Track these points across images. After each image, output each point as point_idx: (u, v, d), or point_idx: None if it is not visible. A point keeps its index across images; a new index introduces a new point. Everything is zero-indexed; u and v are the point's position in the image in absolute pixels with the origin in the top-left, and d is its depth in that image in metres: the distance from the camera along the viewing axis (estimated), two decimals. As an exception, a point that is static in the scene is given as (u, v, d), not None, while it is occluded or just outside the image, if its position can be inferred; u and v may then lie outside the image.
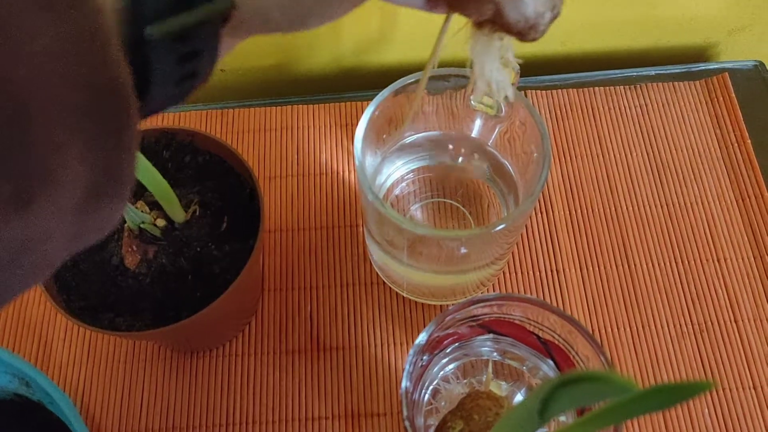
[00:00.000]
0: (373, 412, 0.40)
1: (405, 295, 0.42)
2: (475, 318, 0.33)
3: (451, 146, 0.41)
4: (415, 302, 0.43)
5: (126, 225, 0.35)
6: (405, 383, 0.30)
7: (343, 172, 0.47)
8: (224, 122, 0.49)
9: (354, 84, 0.55)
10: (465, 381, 0.37)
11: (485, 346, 0.37)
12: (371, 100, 0.49)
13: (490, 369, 0.37)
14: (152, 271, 0.34)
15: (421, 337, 0.31)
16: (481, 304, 0.32)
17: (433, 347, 0.33)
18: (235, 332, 0.42)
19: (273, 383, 0.40)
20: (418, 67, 0.38)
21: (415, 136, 0.40)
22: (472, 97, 0.38)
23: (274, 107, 0.50)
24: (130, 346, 0.41)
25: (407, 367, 0.30)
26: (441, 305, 0.43)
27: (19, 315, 0.42)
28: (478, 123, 0.40)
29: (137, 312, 0.34)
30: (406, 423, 0.29)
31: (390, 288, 0.43)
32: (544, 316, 0.32)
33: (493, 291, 0.43)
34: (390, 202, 0.42)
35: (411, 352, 0.31)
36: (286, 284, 0.43)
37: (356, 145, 0.34)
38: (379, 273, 0.43)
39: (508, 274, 0.43)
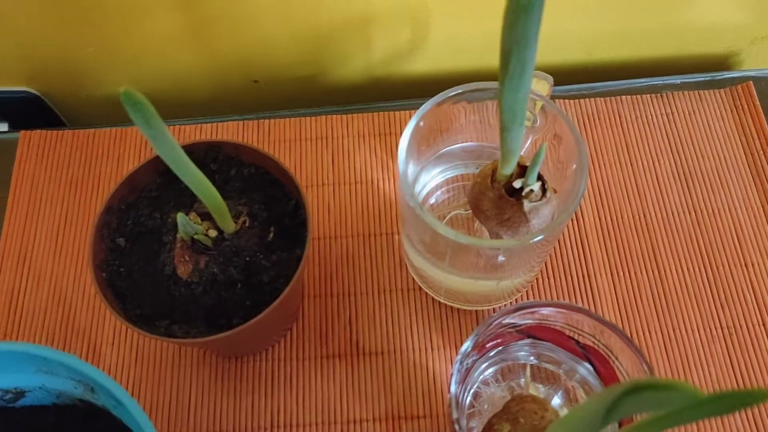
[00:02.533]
0: (413, 415, 0.41)
1: (442, 301, 0.44)
2: (516, 324, 0.34)
3: (487, 156, 0.43)
4: (452, 308, 0.44)
5: (178, 236, 0.37)
6: (453, 387, 0.31)
7: (377, 180, 0.48)
8: (260, 133, 0.50)
9: (384, 94, 0.56)
10: (504, 384, 0.38)
11: (523, 351, 0.38)
12: (404, 110, 0.51)
13: (528, 373, 0.38)
14: (204, 280, 0.36)
15: (468, 343, 0.32)
16: (524, 311, 0.33)
17: (476, 353, 0.35)
18: (277, 338, 0.43)
19: (315, 387, 0.42)
20: (448, 77, 0.39)
21: (451, 147, 0.42)
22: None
23: (309, 117, 0.51)
24: (176, 352, 0.43)
25: (455, 371, 0.32)
26: (477, 311, 0.44)
27: (68, 322, 0.44)
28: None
29: (191, 320, 0.35)
30: (456, 426, 0.30)
31: (427, 294, 0.44)
32: (584, 322, 0.34)
33: (527, 296, 0.44)
34: (426, 211, 0.44)
35: (458, 356, 0.32)
36: (326, 291, 0.45)
37: (400, 156, 0.36)
38: (416, 279, 0.44)
39: (541, 280, 0.44)
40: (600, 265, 0.45)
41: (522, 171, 0.35)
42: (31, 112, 0.56)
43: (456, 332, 0.43)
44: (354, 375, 0.42)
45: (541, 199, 0.35)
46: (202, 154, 0.39)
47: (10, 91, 0.54)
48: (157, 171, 0.39)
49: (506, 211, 0.35)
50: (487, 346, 0.35)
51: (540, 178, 0.35)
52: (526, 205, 0.34)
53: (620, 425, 0.33)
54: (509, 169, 0.34)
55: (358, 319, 0.44)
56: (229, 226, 0.36)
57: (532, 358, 0.39)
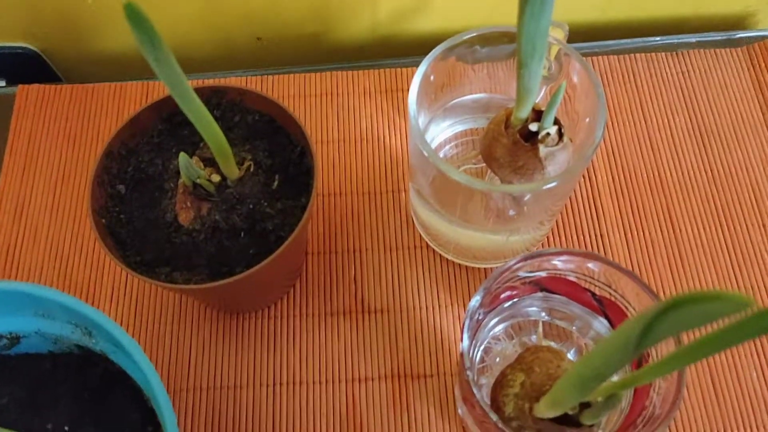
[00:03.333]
0: (420, 374, 0.40)
1: (450, 258, 0.42)
2: (529, 275, 0.33)
3: (496, 108, 0.41)
4: (460, 265, 0.43)
5: (180, 182, 0.35)
6: (466, 340, 0.30)
7: (384, 137, 0.47)
8: (263, 88, 0.49)
9: (390, 53, 0.55)
10: (515, 340, 0.37)
11: (534, 306, 0.37)
12: (412, 66, 0.50)
13: (540, 329, 0.37)
14: (206, 228, 0.35)
15: (479, 293, 0.31)
16: (537, 259, 0.31)
17: (488, 305, 0.33)
18: (279, 294, 0.42)
19: (319, 344, 0.41)
20: (453, 34, 0.38)
21: (461, 99, 0.40)
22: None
23: (313, 73, 0.50)
24: (176, 307, 0.42)
25: (466, 323, 0.30)
26: (486, 268, 0.43)
27: (65, 277, 0.43)
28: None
29: (192, 267, 0.34)
30: (468, 374, 0.29)
31: (434, 251, 0.43)
32: (600, 271, 0.32)
33: (537, 255, 0.43)
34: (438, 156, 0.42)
35: (469, 308, 0.31)
36: (330, 248, 0.43)
37: (411, 99, 0.34)
38: (423, 236, 0.43)
39: (551, 238, 0.43)
40: (613, 223, 0.43)
41: (537, 116, 0.34)
42: (29, 68, 0.55)
43: (464, 290, 0.42)
44: (359, 333, 0.41)
45: (557, 144, 0.33)
46: (204, 99, 0.37)
47: (7, 47, 0.53)
48: (160, 117, 0.37)
49: (521, 157, 0.34)
50: (500, 297, 0.34)
51: (556, 122, 0.33)
52: (542, 150, 0.33)
53: (638, 366, 0.31)
54: (525, 111, 0.33)
55: (363, 277, 0.43)
56: (233, 172, 0.34)
57: (543, 314, 0.38)
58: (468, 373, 0.29)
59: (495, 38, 0.37)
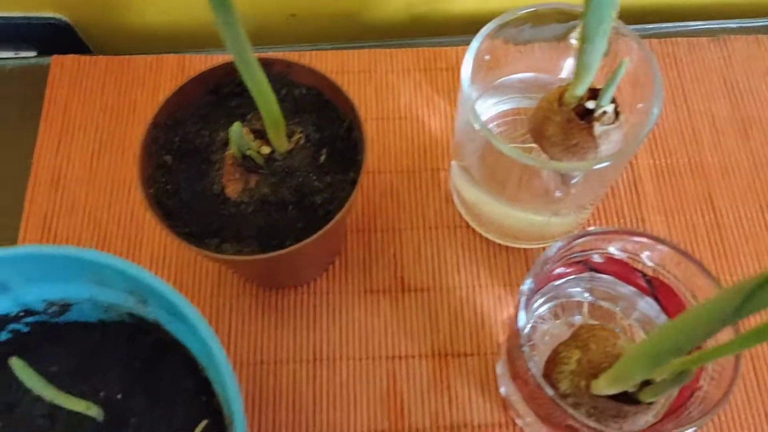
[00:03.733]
0: (460, 352, 0.40)
1: (490, 238, 0.42)
2: (583, 253, 0.33)
3: (540, 88, 0.41)
4: (500, 245, 0.42)
5: (227, 153, 0.35)
6: (523, 317, 0.30)
7: (422, 116, 0.47)
8: (301, 64, 0.48)
9: (424, 33, 0.54)
10: (561, 320, 0.37)
11: (578, 287, 0.37)
12: (450, 46, 0.49)
13: (585, 309, 0.37)
14: (254, 200, 0.34)
15: (534, 270, 0.31)
16: (591, 237, 0.31)
17: (539, 283, 0.33)
18: (320, 271, 0.42)
19: (359, 321, 0.41)
20: (489, 15, 0.37)
21: (506, 78, 0.40)
22: (573, 36, 0.38)
23: (351, 50, 0.49)
24: (215, 282, 0.42)
25: (522, 300, 0.30)
26: (526, 249, 0.42)
27: (103, 247, 0.42)
28: (570, 63, 0.40)
29: (242, 239, 0.34)
30: (525, 349, 0.29)
31: (474, 231, 0.43)
32: (654, 250, 0.32)
33: (578, 237, 0.43)
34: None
35: (524, 285, 0.30)
36: (369, 226, 0.43)
37: (463, 78, 0.34)
38: (464, 215, 0.43)
39: (592, 221, 0.43)
40: (654, 208, 0.43)
41: (591, 95, 0.33)
42: (59, 39, 0.54)
43: (504, 270, 0.42)
44: (399, 310, 0.41)
45: (612, 123, 0.33)
46: (252, 70, 0.37)
47: (38, 17, 0.52)
48: (207, 88, 0.37)
49: (574, 135, 0.33)
50: (551, 276, 0.34)
51: (612, 100, 0.33)
52: (597, 128, 0.33)
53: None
54: (582, 89, 0.32)
55: (402, 255, 0.42)
56: (282, 144, 0.34)
57: (586, 294, 0.37)
58: (525, 348, 0.29)
59: (548, 16, 0.36)
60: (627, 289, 0.36)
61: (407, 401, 0.39)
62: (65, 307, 0.31)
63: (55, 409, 0.30)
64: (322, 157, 0.36)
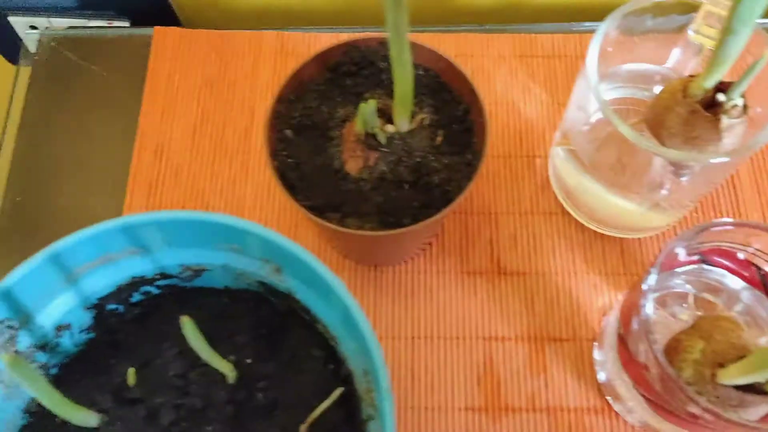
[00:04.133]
0: (556, 337, 0.40)
1: (586, 225, 0.43)
2: (701, 246, 0.33)
3: (650, 78, 0.41)
4: (595, 233, 0.43)
5: (347, 130, 0.36)
6: (650, 308, 0.30)
7: (517, 102, 0.47)
8: (397, 46, 0.49)
9: (517, 18, 0.54)
10: (665, 311, 0.37)
11: (679, 279, 0.38)
12: (543, 33, 0.49)
13: (691, 300, 0.37)
14: (373, 178, 0.35)
15: (660, 259, 0.31)
16: (717, 228, 0.31)
17: (662, 272, 0.33)
18: (418, 251, 0.42)
19: (456, 301, 0.41)
20: (589, 5, 0.37)
21: (619, 66, 0.40)
22: (691, 28, 0.38)
23: (446, 33, 0.49)
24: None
25: (647, 291, 0.31)
26: (623, 239, 0.43)
27: (206, 218, 0.43)
28: (676, 54, 0.40)
29: (362, 215, 0.35)
30: (656, 337, 0.29)
31: (570, 218, 0.43)
32: (775, 246, 0.32)
33: (674, 232, 0.43)
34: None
35: (651, 276, 0.31)
36: (467, 208, 0.44)
37: (589, 64, 0.34)
38: (562, 201, 0.43)
39: (689, 218, 0.43)
40: (752, 204, 0.43)
41: (719, 87, 0.33)
42: (151, 10, 0.55)
43: (599, 258, 0.42)
44: (495, 293, 0.41)
45: (739, 117, 0.33)
46: (371, 49, 0.38)
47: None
48: (326, 66, 0.38)
49: (697, 127, 0.34)
50: (668, 267, 0.34)
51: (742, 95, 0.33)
52: (725, 121, 0.33)
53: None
54: (713, 81, 0.32)
55: (499, 239, 0.43)
56: (404, 123, 0.35)
57: (688, 286, 0.38)
58: (655, 336, 0.29)
59: (669, 7, 0.36)
60: (735, 282, 0.36)
61: (503, 381, 0.39)
62: (199, 272, 0.32)
63: (188, 369, 0.31)
64: (438, 139, 0.36)
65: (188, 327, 0.25)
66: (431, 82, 0.38)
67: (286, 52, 0.48)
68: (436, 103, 0.37)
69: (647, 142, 0.32)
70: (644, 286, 0.31)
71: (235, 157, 0.45)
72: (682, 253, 0.32)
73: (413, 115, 0.36)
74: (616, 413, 0.38)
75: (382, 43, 0.38)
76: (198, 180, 0.45)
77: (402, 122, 0.34)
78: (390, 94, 0.37)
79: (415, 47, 0.37)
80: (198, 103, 0.47)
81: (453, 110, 0.37)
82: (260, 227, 0.29)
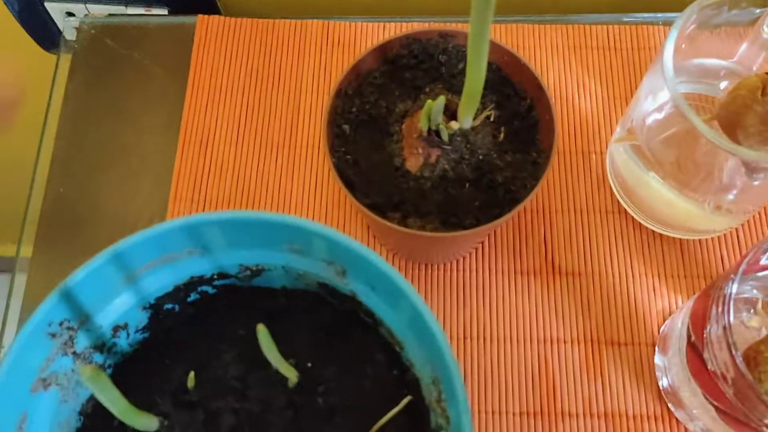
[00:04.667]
0: (614, 341, 0.39)
1: (645, 224, 0.41)
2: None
3: (716, 74, 0.39)
4: (653, 233, 0.41)
5: (408, 126, 0.34)
6: (731, 316, 0.29)
7: (572, 95, 0.45)
8: (446, 36, 0.47)
9: (570, 7, 0.53)
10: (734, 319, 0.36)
11: (747, 284, 0.36)
12: (598, 24, 0.47)
13: (760, 306, 0.36)
14: (434, 176, 0.34)
15: (742, 267, 0.30)
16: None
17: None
18: (470, 249, 0.41)
19: (509, 302, 0.40)
20: None
21: (689, 61, 0.38)
22: (766, 25, 0.36)
23: (498, 24, 0.48)
24: (364, 253, 0.41)
25: (728, 300, 0.29)
26: (681, 239, 0.41)
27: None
28: (743, 49, 0.38)
29: (423, 215, 0.33)
30: (738, 359, 0.28)
31: (627, 216, 0.42)
32: None
33: (736, 235, 0.42)
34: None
35: (733, 283, 0.29)
36: (519, 205, 0.42)
37: (667, 64, 0.33)
38: (620, 199, 0.42)
39: (751, 222, 0.42)
40: (817, 204, 0.42)
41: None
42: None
43: (658, 260, 0.41)
44: (549, 294, 0.40)
45: (823, 118, 0.32)
46: (431, 42, 0.36)
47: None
48: (384, 59, 0.36)
49: (777, 127, 0.32)
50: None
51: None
52: (809, 122, 0.31)
53: None
54: (799, 79, 0.31)
55: (553, 238, 0.42)
56: (468, 120, 0.33)
57: (755, 291, 0.36)
58: (734, 343, 0.28)
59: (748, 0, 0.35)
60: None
61: (559, 385, 0.38)
62: (258, 272, 0.31)
63: (247, 372, 0.30)
64: (501, 135, 0.35)
65: (262, 335, 0.24)
66: (493, 75, 0.36)
67: (332, 42, 0.47)
68: (499, 99, 0.36)
69: (727, 142, 0.31)
70: (727, 293, 0.29)
71: (281, 151, 0.44)
72: (763, 259, 0.31)
73: (477, 112, 0.34)
74: (678, 420, 0.37)
75: (443, 36, 0.36)
76: (243, 174, 0.44)
77: (466, 119, 0.33)
78: (450, 88, 0.36)
79: (478, 40, 0.36)
80: (242, 96, 0.46)
81: (516, 106, 0.36)
82: (327, 228, 0.28)
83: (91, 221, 0.44)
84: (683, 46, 0.37)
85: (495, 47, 0.36)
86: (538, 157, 0.34)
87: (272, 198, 0.43)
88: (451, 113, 0.34)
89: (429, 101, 0.31)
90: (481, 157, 0.34)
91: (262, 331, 0.24)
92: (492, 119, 0.35)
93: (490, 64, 0.36)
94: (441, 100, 0.30)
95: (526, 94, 0.36)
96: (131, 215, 0.43)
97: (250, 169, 0.44)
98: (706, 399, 0.33)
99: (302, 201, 0.43)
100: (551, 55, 0.47)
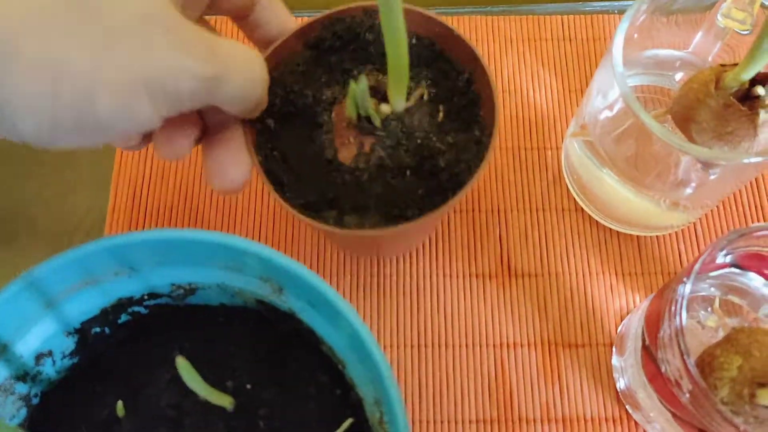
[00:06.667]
0: (571, 343, 0.38)
1: (601, 222, 0.40)
2: (737, 250, 0.31)
3: (671, 65, 0.38)
4: (610, 231, 0.40)
5: (334, 115, 0.32)
6: (683, 317, 0.28)
7: (527, 90, 0.44)
8: (397, 29, 0.46)
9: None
10: (690, 319, 0.35)
11: (705, 282, 0.35)
12: (553, 15, 0.46)
13: (716, 305, 0.35)
14: (370, 166, 0.32)
15: (697, 267, 0.29)
16: (762, 233, 0.29)
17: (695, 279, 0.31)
18: (422, 239, 0.39)
19: (464, 306, 0.39)
20: None
21: (643, 52, 0.37)
22: (720, 14, 0.35)
23: (449, 17, 0.46)
24: (314, 257, 0.40)
25: (682, 302, 0.28)
26: (639, 236, 0.40)
27: (196, 218, 0.40)
28: (698, 39, 0.37)
29: (361, 211, 0.31)
30: (691, 365, 0.27)
31: (584, 215, 0.41)
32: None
33: (688, 232, 0.41)
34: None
35: (685, 284, 0.28)
36: (472, 205, 0.41)
37: (616, 58, 0.32)
38: (576, 196, 0.41)
39: (708, 216, 0.41)
40: (774, 196, 0.41)
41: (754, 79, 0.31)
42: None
43: (616, 258, 0.40)
44: (506, 297, 0.39)
45: (777, 112, 0.31)
46: (355, 21, 0.34)
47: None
48: (306, 43, 0.34)
49: (731, 122, 0.31)
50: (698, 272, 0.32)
51: (778, 87, 0.31)
52: (763, 115, 0.30)
53: None
54: (752, 73, 0.30)
55: (508, 237, 0.40)
56: (400, 101, 0.31)
57: (713, 289, 0.36)
58: (686, 359, 0.27)
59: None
60: (763, 284, 0.34)
61: (516, 391, 0.37)
62: (191, 291, 0.29)
63: (182, 398, 0.28)
64: (440, 115, 0.33)
65: (183, 367, 0.22)
66: (425, 51, 0.34)
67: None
68: (434, 75, 0.33)
69: (679, 141, 0.30)
70: (679, 295, 0.28)
71: (226, 153, 0.42)
72: (719, 258, 0.30)
73: (410, 91, 0.32)
74: (636, 423, 0.36)
75: (367, 12, 0.34)
76: (185, 179, 0.42)
77: (398, 100, 0.31)
78: (381, 69, 0.33)
79: (409, 13, 0.34)
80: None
81: (454, 81, 0.33)
82: (259, 246, 0.26)
83: (27, 234, 0.41)
84: (636, 36, 0.35)
85: (426, 19, 0.33)
86: (481, 135, 0.32)
87: (216, 203, 0.41)
88: (382, 95, 0.31)
89: (352, 84, 0.29)
90: (419, 141, 0.32)
91: (182, 364, 0.22)
92: (428, 98, 0.33)
93: (422, 38, 0.34)
94: (362, 81, 0.28)
95: (464, 67, 0.33)
96: (68, 227, 0.41)
97: (193, 173, 0.42)
98: (662, 403, 0.32)
99: (249, 205, 0.41)
100: (505, 48, 0.45)
